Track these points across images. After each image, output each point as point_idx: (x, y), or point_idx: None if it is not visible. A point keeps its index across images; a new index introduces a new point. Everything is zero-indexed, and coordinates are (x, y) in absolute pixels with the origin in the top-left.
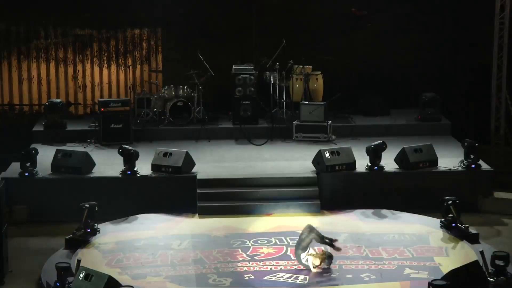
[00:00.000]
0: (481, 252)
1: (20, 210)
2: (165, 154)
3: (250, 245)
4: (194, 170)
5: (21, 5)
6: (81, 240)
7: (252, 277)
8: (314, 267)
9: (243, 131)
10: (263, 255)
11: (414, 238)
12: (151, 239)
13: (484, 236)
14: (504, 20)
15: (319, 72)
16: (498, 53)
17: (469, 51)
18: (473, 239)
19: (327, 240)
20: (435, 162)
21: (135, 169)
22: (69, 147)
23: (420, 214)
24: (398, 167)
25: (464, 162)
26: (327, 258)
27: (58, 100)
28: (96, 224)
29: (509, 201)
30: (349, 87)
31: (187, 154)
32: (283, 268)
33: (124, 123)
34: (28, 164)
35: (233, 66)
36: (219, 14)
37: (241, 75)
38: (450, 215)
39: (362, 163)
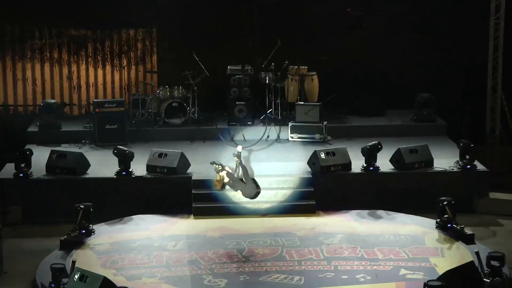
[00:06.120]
0: (477, 253)
1: (15, 211)
2: (160, 155)
3: (245, 245)
4: (189, 170)
5: (16, 5)
6: (76, 241)
7: (248, 278)
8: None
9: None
10: (258, 255)
11: (409, 238)
12: (146, 240)
13: (479, 237)
14: (500, 20)
15: (315, 73)
16: (494, 53)
17: (464, 52)
18: (468, 240)
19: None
20: (430, 162)
21: (130, 169)
22: (64, 148)
23: (416, 214)
24: (393, 167)
25: (460, 162)
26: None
27: (53, 101)
28: (91, 225)
29: (504, 202)
30: (345, 87)
31: (182, 154)
32: (278, 269)
33: (119, 124)
34: (22, 165)
35: (228, 67)
36: (214, 15)
37: (236, 76)
38: (446, 215)
39: (357, 163)
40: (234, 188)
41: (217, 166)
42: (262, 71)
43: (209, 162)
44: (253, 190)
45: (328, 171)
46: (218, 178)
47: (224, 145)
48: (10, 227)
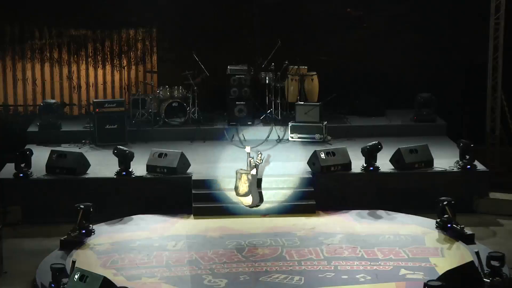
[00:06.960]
0: (477, 253)
1: (15, 211)
2: (160, 155)
3: (245, 245)
4: (189, 170)
5: (16, 5)
6: (76, 241)
7: (247, 278)
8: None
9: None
10: (258, 255)
11: (409, 238)
12: (146, 240)
13: (479, 237)
14: (500, 20)
15: (315, 73)
16: (494, 53)
17: (464, 52)
18: (468, 240)
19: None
20: (430, 162)
21: (130, 170)
22: (64, 148)
23: (416, 214)
24: (393, 167)
25: (460, 162)
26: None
27: (53, 101)
28: (91, 225)
29: (504, 202)
30: (345, 87)
31: (182, 154)
32: (278, 269)
33: (119, 124)
34: (22, 165)
35: (228, 67)
36: (214, 15)
37: (236, 76)
38: (446, 215)
39: (357, 163)
40: (246, 192)
41: (253, 160)
42: (262, 71)
43: (249, 157)
44: (258, 197)
45: (328, 171)
46: (244, 180)
47: (225, 144)
48: (10, 227)
